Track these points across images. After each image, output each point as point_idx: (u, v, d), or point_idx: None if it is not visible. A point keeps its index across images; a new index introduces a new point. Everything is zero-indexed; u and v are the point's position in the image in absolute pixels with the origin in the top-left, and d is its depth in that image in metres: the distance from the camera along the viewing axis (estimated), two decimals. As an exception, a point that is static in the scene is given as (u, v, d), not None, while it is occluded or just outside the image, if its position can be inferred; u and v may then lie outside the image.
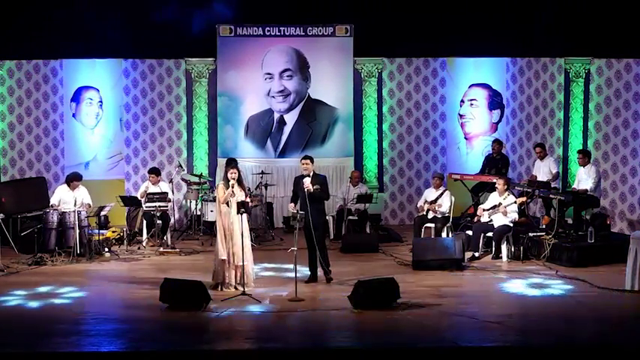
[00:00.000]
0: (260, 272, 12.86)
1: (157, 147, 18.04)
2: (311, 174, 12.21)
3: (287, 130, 18.03)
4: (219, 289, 11.76)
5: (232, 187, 11.83)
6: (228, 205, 11.88)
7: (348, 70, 18.00)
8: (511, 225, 14.18)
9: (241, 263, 11.75)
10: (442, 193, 15.22)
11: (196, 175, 16.88)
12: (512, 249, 14.17)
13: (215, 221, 13.84)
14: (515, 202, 14.25)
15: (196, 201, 16.47)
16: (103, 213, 15.08)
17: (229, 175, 11.96)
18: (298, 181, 12.34)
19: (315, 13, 17.63)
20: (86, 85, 17.86)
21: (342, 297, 11.16)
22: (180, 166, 17.03)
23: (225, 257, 11.83)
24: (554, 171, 15.56)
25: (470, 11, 17.26)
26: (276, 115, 18.01)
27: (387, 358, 9.25)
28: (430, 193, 15.38)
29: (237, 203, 11.65)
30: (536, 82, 17.60)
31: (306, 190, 12.05)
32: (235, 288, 11.79)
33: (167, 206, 15.47)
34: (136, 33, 17.31)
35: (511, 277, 12.79)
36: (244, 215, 11.67)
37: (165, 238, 15.54)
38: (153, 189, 15.56)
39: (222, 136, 18.00)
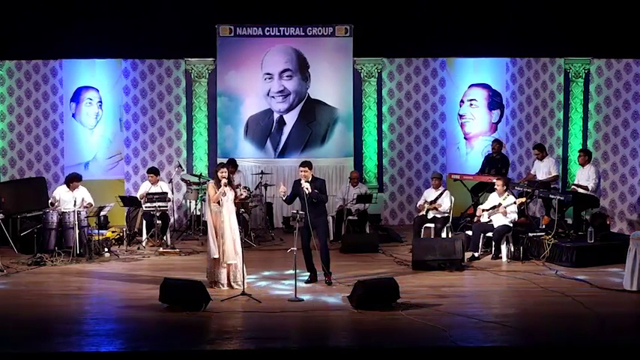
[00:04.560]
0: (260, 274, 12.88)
1: (156, 147, 18.04)
2: (310, 179, 12.21)
3: (287, 130, 18.03)
4: (211, 286, 11.78)
5: (225, 186, 11.93)
6: (219, 204, 11.96)
7: (348, 71, 18.00)
8: (511, 225, 14.18)
9: (231, 261, 11.85)
10: (442, 193, 15.23)
11: (196, 175, 16.89)
12: (512, 249, 14.17)
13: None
14: (514, 203, 14.25)
15: (196, 201, 16.47)
16: (102, 213, 15.09)
17: (219, 175, 12.04)
18: (297, 184, 12.33)
19: (314, 14, 17.63)
20: (86, 85, 17.86)
21: (342, 297, 11.18)
22: (180, 166, 17.03)
23: (217, 256, 11.91)
24: (553, 173, 15.57)
25: (469, 11, 17.27)
26: (276, 115, 18.01)
27: (386, 358, 9.25)
28: (430, 194, 15.39)
29: (237, 204, 11.74)
30: (536, 83, 17.60)
31: (304, 191, 12.04)
32: (230, 286, 11.85)
33: (167, 206, 15.47)
34: (136, 33, 17.30)
35: (510, 277, 12.80)
36: (234, 214, 11.83)
37: (164, 238, 15.55)
38: (152, 189, 15.56)
39: (222, 136, 18.01)
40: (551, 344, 9.51)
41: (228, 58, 17.89)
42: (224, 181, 11.98)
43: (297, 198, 12.38)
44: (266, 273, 12.94)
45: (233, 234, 11.94)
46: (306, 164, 12.32)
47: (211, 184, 12.20)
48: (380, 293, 10.90)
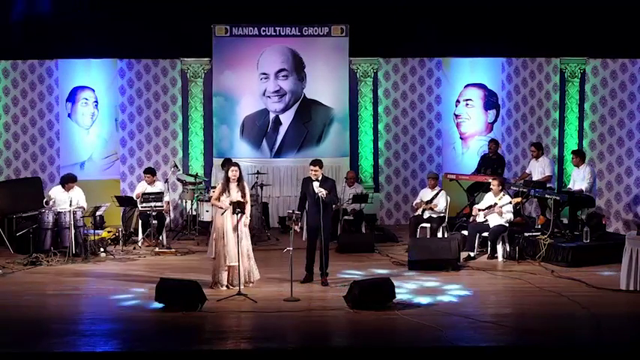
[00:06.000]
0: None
1: (152, 147, 18.02)
2: (320, 178, 12.16)
3: (283, 130, 18.03)
4: (210, 287, 11.76)
5: (229, 209, 11.71)
6: (221, 206, 11.88)
7: (344, 70, 18.01)
8: (507, 225, 14.19)
9: (233, 264, 11.76)
10: (438, 193, 15.23)
11: (192, 175, 16.91)
12: (508, 249, 14.17)
13: (211, 221, 13.91)
14: (510, 203, 14.25)
15: (192, 201, 16.47)
16: (98, 213, 15.05)
17: (230, 174, 11.93)
18: (307, 183, 12.27)
19: (310, 13, 17.62)
20: (82, 85, 17.84)
21: (338, 297, 11.18)
22: (176, 166, 17.01)
23: (213, 256, 11.87)
24: (547, 173, 15.58)
25: (465, 11, 17.28)
26: (272, 115, 18.01)
27: (382, 358, 9.25)
28: (426, 193, 15.39)
29: (233, 203, 11.61)
30: (532, 82, 17.63)
31: (320, 195, 11.97)
32: (227, 287, 11.83)
33: (163, 206, 15.44)
34: (132, 33, 17.28)
35: (506, 277, 12.81)
36: (235, 216, 11.68)
37: (160, 238, 15.53)
38: (149, 189, 15.54)
39: (218, 136, 18.00)
40: (547, 344, 9.51)
41: (224, 58, 17.89)
42: (229, 200, 11.86)
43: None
44: (262, 273, 12.91)
45: (238, 236, 11.75)
46: (317, 163, 12.23)
47: (220, 184, 12.10)
48: (376, 293, 10.89)
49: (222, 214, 11.77)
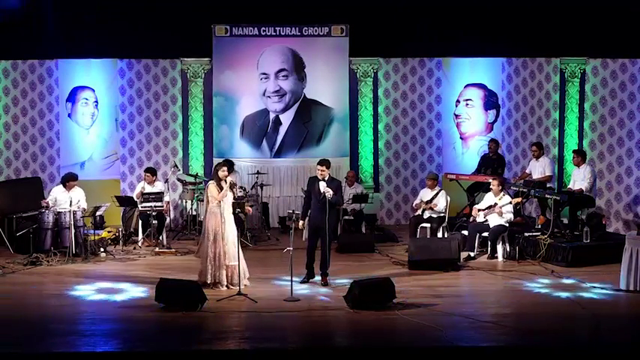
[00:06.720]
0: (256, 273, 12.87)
1: (152, 147, 18.02)
2: (326, 178, 12.15)
3: (283, 130, 18.02)
4: (210, 287, 11.74)
5: (229, 187, 11.87)
6: (220, 204, 11.91)
7: (344, 70, 18.00)
8: (507, 225, 14.18)
9: (232, 263, 11.78)
10: (438, 193, 15.22)
11: (192, 175, 16.91)
12: (508, 249, 14.17)
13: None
14: (510, 203, 14.25)
15: (192, 201, 16.47)
16: (98, 213, 15.06)
17: (221, 174, 11.98)
18: (313, 182, 12.24)
19: (310, 13, 17.62)
20: (82, 85, 17.83)
21: (338, 297, 11.18)
22: (176, 166, 17.00)
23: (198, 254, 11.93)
24: (547, 173, 15.57)
25: (466, 11, 17.28)
26: (272, 115, 18.01)
27: (382, 358, 9.25)
28: (426, 193, 15.38)
29: (233, 203, 11.64)
30: (532, 82, 17.63)
31: (326, 195, 11.95)
32: (227, 287, 11.82)
33: (163, 206, 15.43)
34: (132, 33, 17.28)
35: (507, 277, 12.80)
36: (232, 216, 11.72)
37: (160, 238, 15.52)
38: (149, 189, 15.53)
39: (218, 136, 18.00)
40: (547, 344, 9.51)
41: (224, 58, 17.88)
42: (229, 179, 11.94)
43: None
44: (262, 273, 12.92)
45: (232, 235, 11.85)
46: (324, 163, 12.21)
47: (213, 184, 12.11)
48: (376, 293, 10.90)
49: (225, 189, 11.84)
